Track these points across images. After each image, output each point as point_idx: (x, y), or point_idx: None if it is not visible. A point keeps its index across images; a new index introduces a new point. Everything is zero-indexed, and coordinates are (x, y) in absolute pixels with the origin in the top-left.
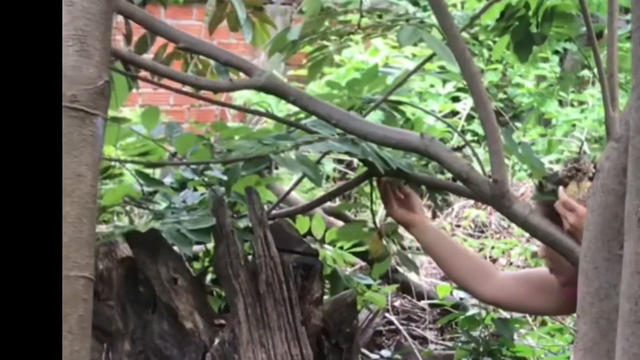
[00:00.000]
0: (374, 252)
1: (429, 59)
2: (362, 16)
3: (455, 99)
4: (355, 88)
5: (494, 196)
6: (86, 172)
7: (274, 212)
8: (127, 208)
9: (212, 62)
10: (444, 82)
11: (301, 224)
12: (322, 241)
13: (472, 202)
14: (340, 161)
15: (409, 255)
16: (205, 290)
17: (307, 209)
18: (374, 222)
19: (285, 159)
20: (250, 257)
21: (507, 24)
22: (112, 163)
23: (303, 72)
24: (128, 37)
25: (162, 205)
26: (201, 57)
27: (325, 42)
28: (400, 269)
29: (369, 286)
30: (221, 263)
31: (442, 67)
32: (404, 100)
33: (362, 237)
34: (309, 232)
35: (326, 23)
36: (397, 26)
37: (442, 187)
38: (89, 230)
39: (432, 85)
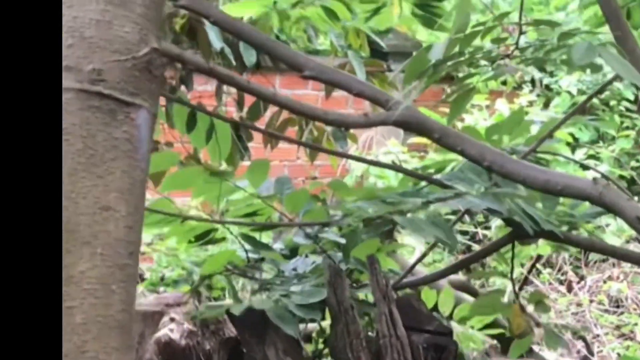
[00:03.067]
0: (516, 328)
1: (592, 97)
2: (521, 32)
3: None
4: (495, 137)
5: None
6: (118, 203)
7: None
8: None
9: (328, 128)
10: (574, 148)
11: (426, 297)
12: (449, 318)
13: (607, 274)
14: (464, 232)
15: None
16: None
17: (433, 279)
18: (515, 293)
19: (412, 220)
20: (372, 336)
21: None
22: (214, 225)
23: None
24: (240, 104)
25: (271, 273)
26: (317, 123)
27: (472, 70)
28: (538, 347)
29: None
30: (339, 344)
31: (571, 134)
32: (555, 152)
33: (500, 312)
34: (435, 307)
35: (477, 41)
36: (564, 46)
37: (606, 252)
38: (122, 305)
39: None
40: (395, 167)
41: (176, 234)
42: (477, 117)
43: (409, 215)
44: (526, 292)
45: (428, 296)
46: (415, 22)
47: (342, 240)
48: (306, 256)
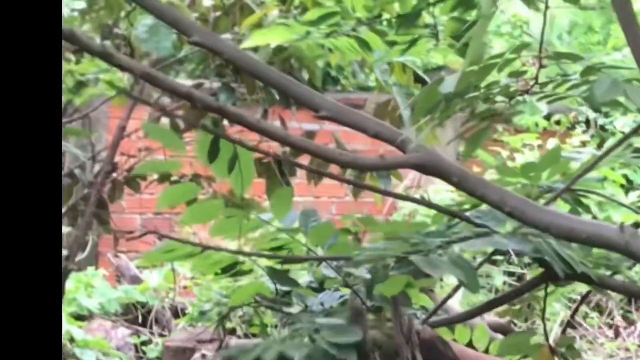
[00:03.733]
0: None
1: (633, 133)
2: (541, 65)
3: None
4: (532, 174)
5: None
6: None
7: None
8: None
9: None
10: (627, 191)
11: (461, 334)
12: None
13: None
14: (511, 273)
15: None
16: None
17: (466, 318)
18: (545, 335)
19: (429, 260)
20: None
21: None
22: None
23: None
24: None
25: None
26: None
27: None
28: None
29: None
30: None
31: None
32: (594, 190)
33: (529, 352)
34: (470, 344)
35: (495, 74)
36: (587, 82)
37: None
38: None
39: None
40: (423, 202)
41: (201, 266)
42: (528, 157)
43: (430, 255)
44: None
45: (462, 334)
46: (452, 54)
47: (368, 276)
48: (335, 290)
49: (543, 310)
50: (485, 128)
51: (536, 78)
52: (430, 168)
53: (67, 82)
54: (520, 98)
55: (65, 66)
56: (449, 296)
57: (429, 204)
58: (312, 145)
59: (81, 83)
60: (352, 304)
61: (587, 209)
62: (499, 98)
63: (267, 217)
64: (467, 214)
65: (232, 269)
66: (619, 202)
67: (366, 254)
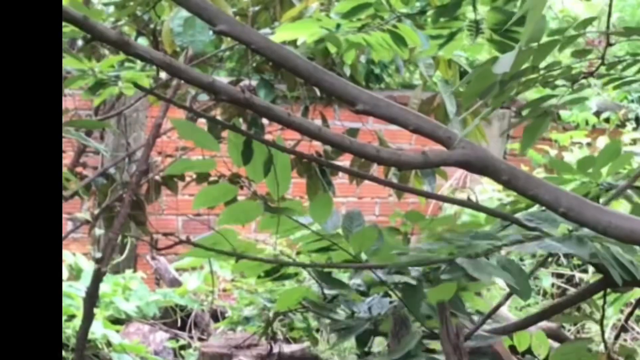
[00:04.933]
0: None
1: None
2: (609, 43)
3: None
4: (591, 170)
5: None
6: None
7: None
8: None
9: None
10: None
11: (520, 340)
12: None
13: None
14: (560, 275)
15: None
16: None
17: (525, 326)
18: (604, 342)
19: (477, 263)
20: None
21: None
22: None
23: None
24: None
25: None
26: None
27: (548, 90)
28: None
29: None
30: None
31: None
32: None
33: None
34: (529, 351)
35: (556, 53)
36: None
37: None
38: None
39: None
40: (469, 205)
41: (244, 268)
42: (578, 156)
43: (476, 259)
44: (624, 341)
45: (521, 340)
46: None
47: (414, 282)
48: (384, 295)
49: (601, 318)
50: (542, 120)
51: (602, 58)
52: (477, 165)
53: (89, 80)
54: (584, 81)
55: (87, 63)
56: (500, 304)
57: (476, 206)
58: (347, 140)
59: (101, 82)
60: (394, 315)
61: None
62: (560, 82)
63: (307, 221)
64: (519, 215)
65: (275, 272)
66: None
67: (410, 256)
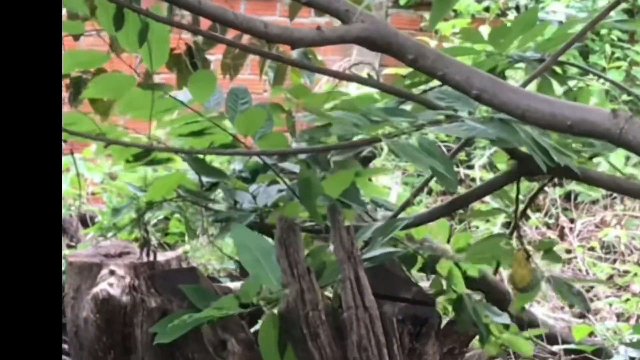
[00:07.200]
0: (519, 281)
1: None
2: None
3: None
4: (502, 40)
5: None
6: None
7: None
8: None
9: (294, 55)
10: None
11: (417, 232)
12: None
13: (598, 219)
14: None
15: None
16: None
17: (431, 219)
18: (519, 238)
19: (405, 146)
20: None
21: None
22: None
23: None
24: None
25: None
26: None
27: None
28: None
29: (506, 327)
30: (292, 317)
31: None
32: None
33: (500, 259)
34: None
35: None
36: None
37: (630, 193)
38: None
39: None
40: (371, 82)
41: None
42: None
43: (399, 138)
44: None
45: (418, 231)
46: None
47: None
48: (274, 182)
49: (515, 211)
50: None
51: None
52: (379, 42)
53: None
54: None
55: None
56: (409, 200)
57: (377, 84)
58: (231, 14)
59: None
60: (280, 219)
61: (563, 80)
62: None
63: (185, 98)
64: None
65: (146, 156)
66: (606, 78)
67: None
